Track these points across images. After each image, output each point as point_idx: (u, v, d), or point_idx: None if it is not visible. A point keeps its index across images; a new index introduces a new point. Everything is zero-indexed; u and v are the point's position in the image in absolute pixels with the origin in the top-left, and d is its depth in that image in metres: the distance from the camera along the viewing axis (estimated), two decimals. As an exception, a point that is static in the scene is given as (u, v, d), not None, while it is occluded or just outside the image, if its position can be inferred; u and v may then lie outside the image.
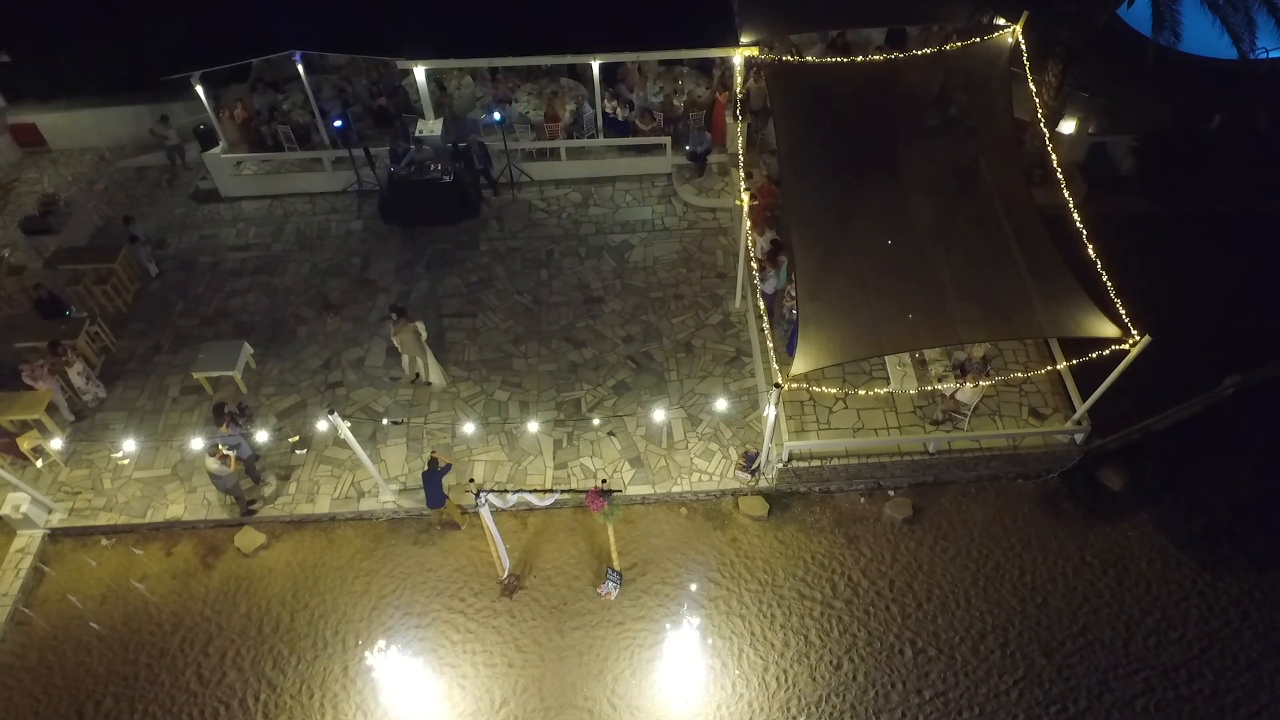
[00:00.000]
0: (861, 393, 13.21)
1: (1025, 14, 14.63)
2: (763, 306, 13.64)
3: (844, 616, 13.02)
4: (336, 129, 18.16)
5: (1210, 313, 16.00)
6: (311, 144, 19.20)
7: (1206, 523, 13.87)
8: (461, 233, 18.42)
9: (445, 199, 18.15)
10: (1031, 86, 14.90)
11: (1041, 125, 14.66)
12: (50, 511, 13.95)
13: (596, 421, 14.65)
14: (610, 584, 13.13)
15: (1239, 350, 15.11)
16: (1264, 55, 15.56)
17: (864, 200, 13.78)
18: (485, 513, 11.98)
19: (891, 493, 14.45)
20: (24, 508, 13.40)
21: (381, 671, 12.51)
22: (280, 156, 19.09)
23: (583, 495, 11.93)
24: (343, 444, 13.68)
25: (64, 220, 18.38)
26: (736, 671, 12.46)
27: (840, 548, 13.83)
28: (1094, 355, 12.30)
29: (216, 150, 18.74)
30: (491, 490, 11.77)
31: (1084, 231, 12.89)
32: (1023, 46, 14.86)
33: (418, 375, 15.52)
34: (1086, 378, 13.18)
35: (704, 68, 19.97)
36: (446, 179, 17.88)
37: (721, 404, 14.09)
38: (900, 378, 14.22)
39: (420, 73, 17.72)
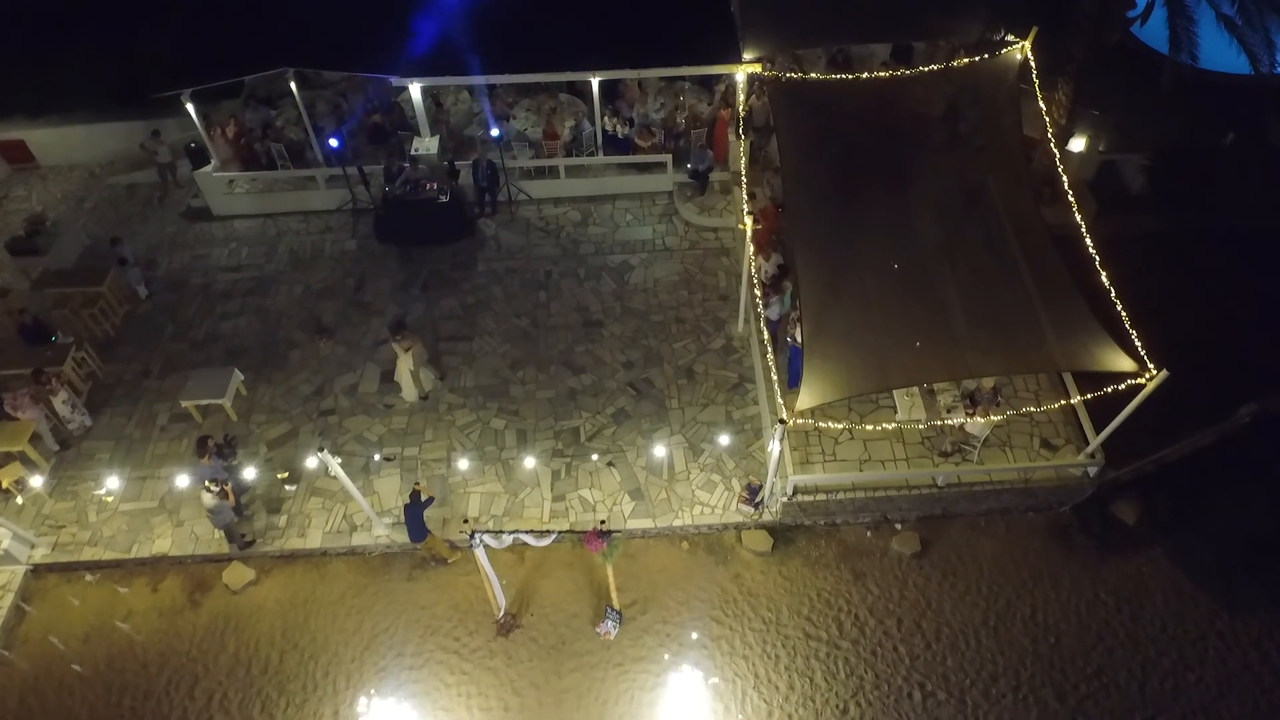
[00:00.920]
0: (869, 427, 12.79)
1: (1034, 30, 14.25)
2: (767, 335, 13.26)
3: (850, 658, 12.61)
4: (332, 150, 17.70)
5: (1225, 335, 15.55)
6: (305, 161, 18.81)
7: (1224, 557, 13.48)
8: (458, 253, 18.02)
9: (442, 219, 17.76)
10: (1041, 105, 14.53)
11: (1052, 144, 14.29)
12: (33, 547, 13.56)
13: (595, 457, 14.22)
14: (609, 623, 12.72)
15: (1256, 375, 14.68)
16: (1279, 71, 15.20)
17: (869, 221, 13.40)
18: (480, 554, 11.57)
19: (899, 526, 14.04)
20: (5, 544, 13.04)
21: (373, 716, 12.11)
22: (273, 175, 18.69)
23: (581, 535, 11.53)
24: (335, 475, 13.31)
25: (51, 241, 18.00)
26: (740, 716, 12.06)
27: (846, 584, 13.42)
28: (1109, 390, 11.92)
29: (208, 168, 18.36)
30: (486, 531, 11.38)
31: (1096, 257, 12.51)
32: (1032, 63, 14.48)
33: (426, 396, 15.28)
34: (1099, 405, 12.74)
35: (706, 83, 19.56)
36: (443, 198, 17.49)
37: (724, 439, 13.70)
38: (908, 408, 13.81)
39: (416, 89, 17.34)
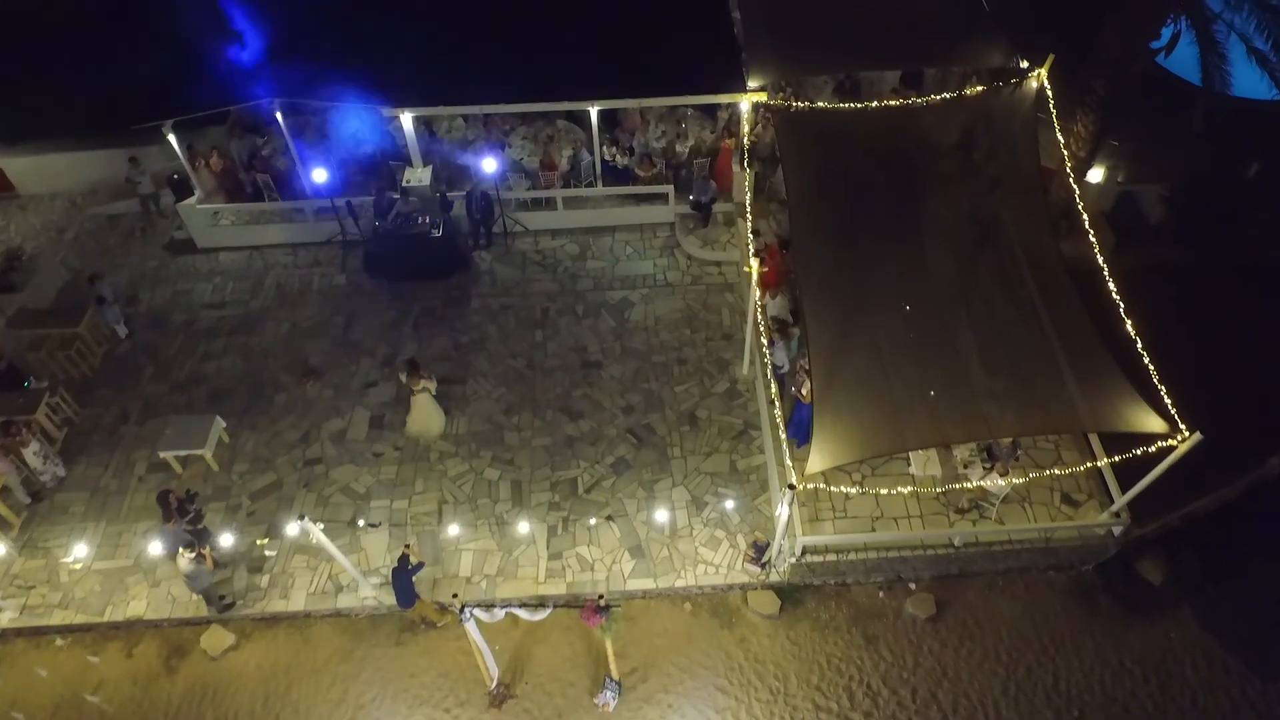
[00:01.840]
0: (884, 491, 12.11)
1: (1051, 57, 13.61)
2: (775, 389, 12.58)
3: (864, 732, 11.94)
4: (319, 183, 16.95)
5: (1251, 378, 14.86)
6: (293, 192, 18.11)
7: (1256, 621, 12.80)
8: (452, 288, 17.33)
9: (434, 253, 17.07)
10: (1060, 136, 13.89)
11: (1070, 179, 13.62)
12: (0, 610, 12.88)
13: (593, 521, 13.53)
14: (608, 693, 12.02)
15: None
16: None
17: (879, 260, 12.76)
18: (471, 627, 10.89)
19: (913, 585, 13.36)
20: (-31, 609, 12.37)
21: (357, 797, 11.45)
22: (259, 207, 18.01)
23: (578, 609, 10.86)
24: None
25: (28, 276, 17.33)
26: (747, 798, 11.40)
27: (858, 649, 12.74)
28: (1137, 452, 11.24)
29: (192, 200, 17.67)
30: (477, 605, 10.70)
31: (1121, 304, 11.82)
32: (1048, 91, 13.84)
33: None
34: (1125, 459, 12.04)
35: (709, 110, 18.88)
36: (435, 232, 16.80)
37: (730, 503, 13.06)
38: (923, 463, 13.15)
39: (407, 119, 16.66)
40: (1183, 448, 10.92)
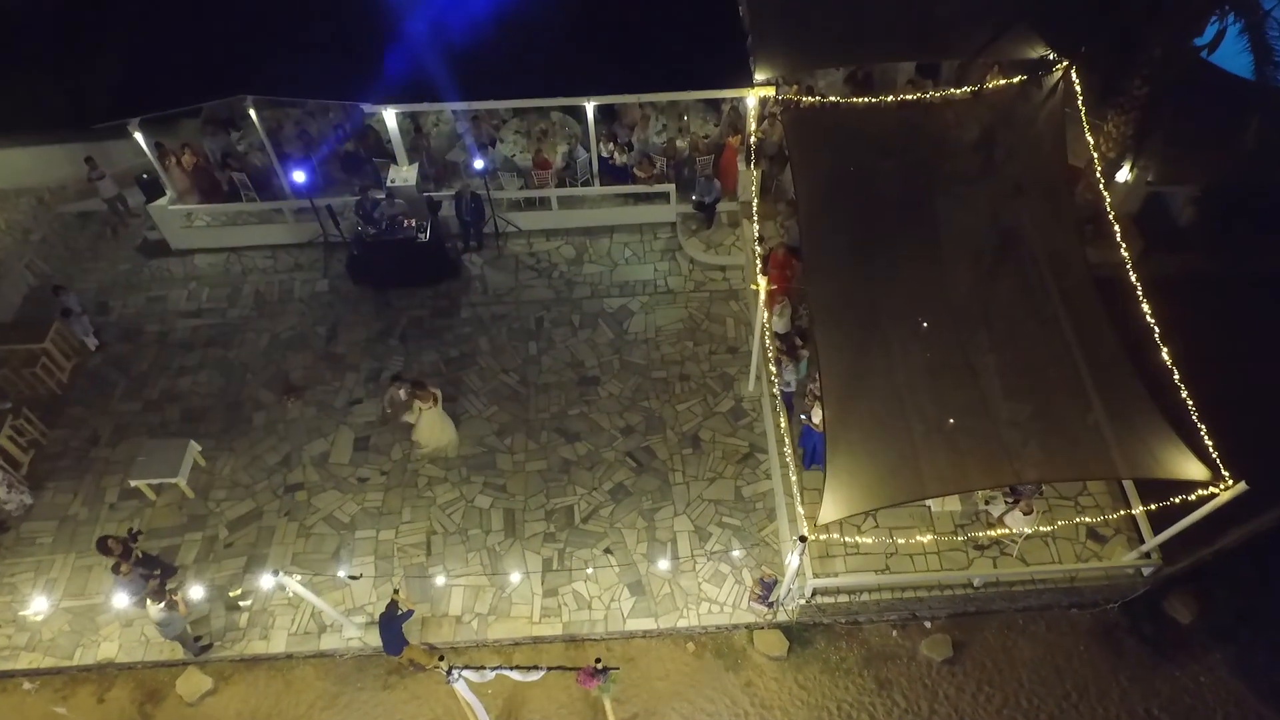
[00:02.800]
0: (900, 540, 11.35)
1: (1082, 49, 12.60)
2: (783, 417, 11.76)
3: (876, 788, 11.34)
4: (298, 186, 15.86)
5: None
6: (271, 191, 17.06)
7: (1289, 664, 12.15)
8: (440, 296, 16.40)
9: (421, 259, 16.11)
10: (1089, 137, 12.94)
11: (1099, 184, 12.69)
12: (-37, 655, 12.19)
13: (590, 570, 12.76)
14: (607, 745, 11.40)
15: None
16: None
17: (894, 274, 11.97)
18: (460, 687, 10.19)
19: (928, 624, 12.68)
20: (-70, 656, 11.66)
21: None
22: (235, 207, 16.97)
23: (573, 670, 10.16)
24: (301, 565, 11.93)
25: (-9, 283, 16.36)
26: None
27: (870, 694, 12.08)
28: (1175, 500, 10.47)
29: (163, 200, 16.64)
30: (466, 667, 9.98)
31: (1155, 327, 10.95)
32: (1077, 86, 12.85)
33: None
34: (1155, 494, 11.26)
35: (712, 103, 17.78)
36: (422, 237, 15.81)
37: (736, 552, 12.35)
38: (942, 500, 12.36)
39: (390, 115, 15.56)
40: (1224, 496, 10.16)
